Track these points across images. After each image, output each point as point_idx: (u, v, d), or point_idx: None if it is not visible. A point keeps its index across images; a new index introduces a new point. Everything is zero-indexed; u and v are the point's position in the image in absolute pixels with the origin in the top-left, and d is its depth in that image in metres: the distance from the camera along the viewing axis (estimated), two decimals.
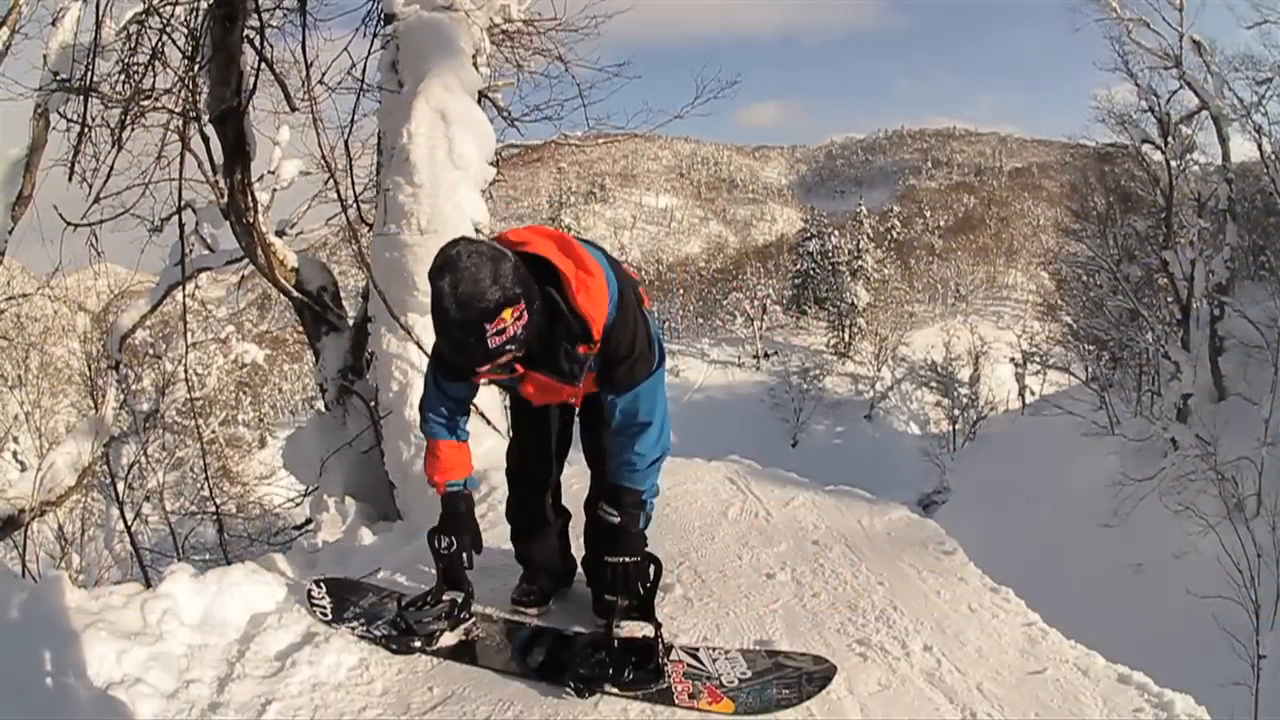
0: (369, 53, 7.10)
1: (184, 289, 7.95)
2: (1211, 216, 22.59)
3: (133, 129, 6.62)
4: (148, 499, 13.76)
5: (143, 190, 6.99)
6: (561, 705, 3.00)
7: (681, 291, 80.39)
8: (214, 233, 7.93)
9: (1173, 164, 22.65)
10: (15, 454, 18.09)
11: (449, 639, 3.39)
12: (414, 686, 3.17)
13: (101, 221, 6.97)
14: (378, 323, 6.39)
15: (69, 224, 6.78)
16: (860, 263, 63.84)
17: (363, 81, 7.00)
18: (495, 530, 3.88)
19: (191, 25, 6.29)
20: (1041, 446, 29.94)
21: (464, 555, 3.39)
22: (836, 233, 67.97)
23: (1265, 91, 21.20)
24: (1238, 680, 12.24)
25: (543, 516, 3.66)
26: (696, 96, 8.85)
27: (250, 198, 6.51)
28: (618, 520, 3.18)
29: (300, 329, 7.89)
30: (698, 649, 3.26)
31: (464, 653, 3.36)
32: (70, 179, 6.62)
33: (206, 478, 13.69)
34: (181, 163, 6.76)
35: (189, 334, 10.32)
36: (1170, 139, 22.60)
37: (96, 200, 6.73)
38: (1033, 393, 46.91)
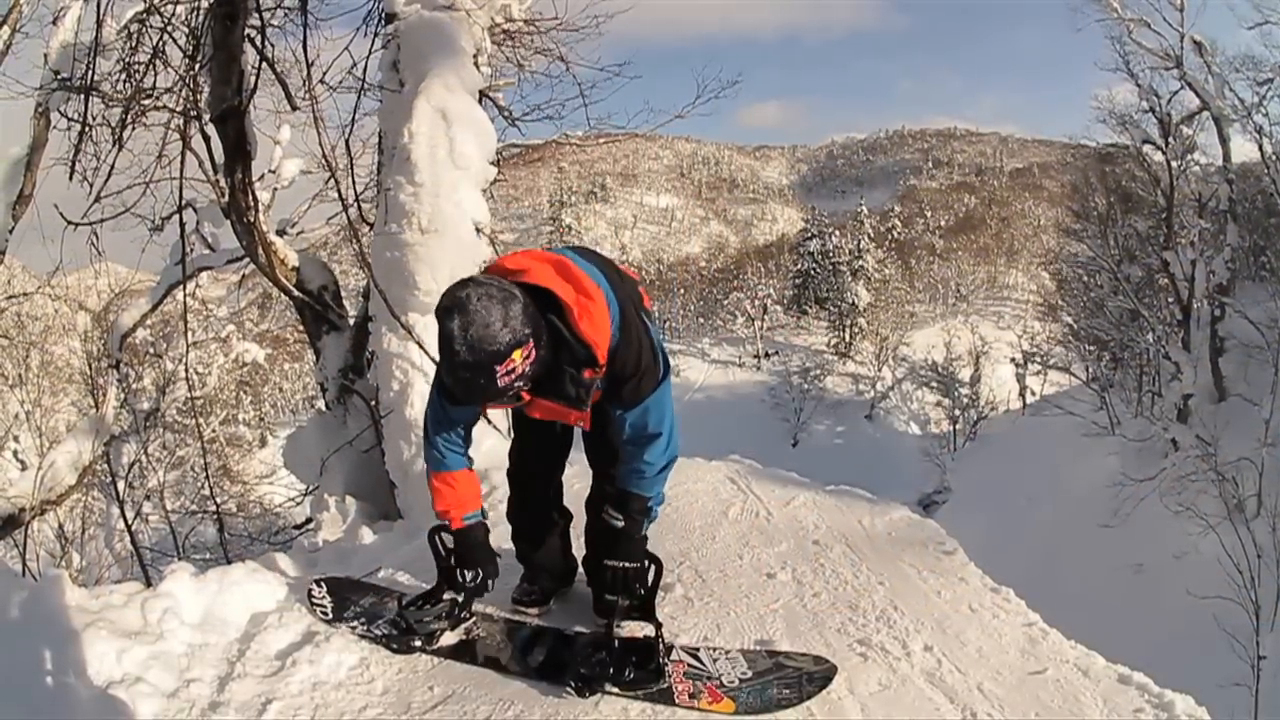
0: (370, 52, 7.11)
1: (185, 288, 7.96)
2: (1212, 217, 22.58)
3: (133, 128, 6.62)
4: (148, 498, 13.75)
5: (143, 189, 6.98)
6: (562, 705, 3.01)
7: (682, 291, 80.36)
8: (215, 232, 7.94)
9: (1173, 164, 22.63)
10: (16, 453, 18.07)
11: (449, 638, 3.40)
12: (415, 686, 3.18)
13: (102, 220, 6.97)
14: (378, 322, 6.39)
15: (70, 223, 6.77)
16: (861, 263, 63.84)
17: (363, 81, 7.01)
18: (496, 530, 3.88)
19: (192, 24, 6.28)
20: (1042, 447, 29.93)
21: (489, 583, 3.38)
22: (837, 233, 67.96)
23: (1266, 92, 21.20)
24: (1238, 681, 12.23)
25: (544, 517, 3.67)
26: (697, 96, 8.84)
27: (251, 197, 6.50)
28: (621, 525, 3.20)
29: (301, 328, 7.89)
30: (698, 649, 3.26)
31: (465, 652, 3.36)
32: (71, 178, 6.62)
33: (207, 477, 13.69)
34: (182, 162, 6.75)
35: (190, 333, 10.33)
36: (1171, 139, 22.59)
37: (97, 199, 6.72)
38: (1033, 393, 46.90)
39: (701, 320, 74.90)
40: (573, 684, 3.04)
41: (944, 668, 3.24)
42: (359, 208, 7.38)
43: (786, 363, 58.94)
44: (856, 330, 61.90)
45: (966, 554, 4.53)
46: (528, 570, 3.74)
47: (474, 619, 3.49)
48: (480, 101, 6.94)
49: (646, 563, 3.24)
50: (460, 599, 3.42)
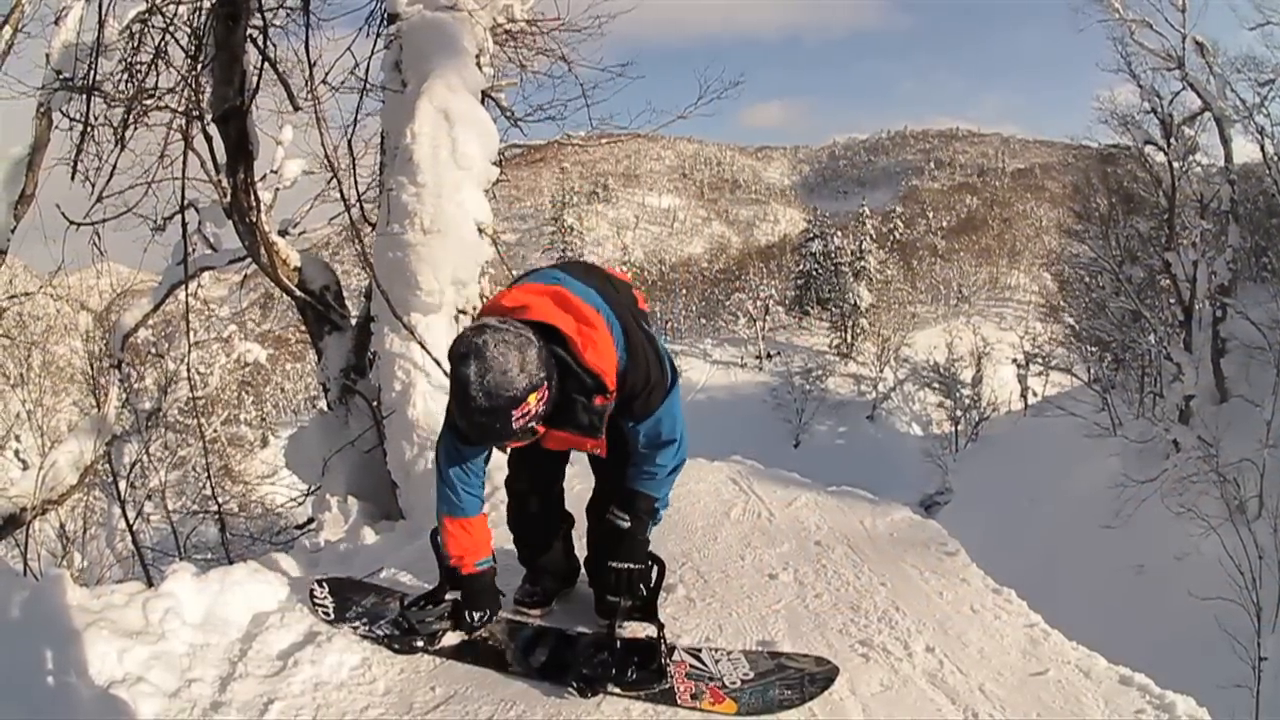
0: (372, 52, 7.11)
1: (186, 288, 7.96)
2: (1214, 218, 22.56)
3: (136, 128, 6.62)
4: (149, 498, 13.76)
5: (145, 189, 6.98)
6: (564, 705, 3.01)
7: (684, 292, 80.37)
8: (217, 232, 7.93)
9: (1175, 165, 22.61)
10: (17, 452, 18.10)
11: (451, 638, 3.40)
12: (416, 686, 3.18)
13: (104, 220, 6.97)
14: (380, 322, 6.39)
15: (71, 223, 6.78)
16: (863, 263, 63.77)
17: (366, 81, 7.00)
18: (498, 530, 3.88)
19: (194, 24, 6.28)
20: (1043, 448, 29.93)
21: (492, 618, 3.43)
22: (839, 233, 67.87)
23: (1268, 93, 21.21)
24: (1239, 682, 12.22)
25: (545, 523, 3.67)
26: (699, 97, 8.84)
27: (253, 197, 6.50)
28: (627, 525, 3.21)
29: (303, 328, 7.89)
30: (700, 650, 3.26)
31: (466, 652, 3.36)
32: (73, 178, 6.62)
33: (209, 477, 13.71)
34: (184, 162, 6.75)
35: (191, 333, 10.32)
36: (1173, 140, 22.57)
37: (99, 199, 6.72)
38: (1035, 394, 46.89)
39: (703, 321, 74.89)
40: (575, 684, 3.04)
41: (946, 668, 3.24)
42: (361, 208, 7.39)
43: (788, 363, 58.86)
44: (858, 331, 61.83)
45: (968, 555, 4.53)
46: (530, 572, 3.74)
47: None
48: (483, 102, 6.95)
49: (649, 564, 3.25)
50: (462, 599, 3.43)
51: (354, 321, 7.19)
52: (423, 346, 6.03)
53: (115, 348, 8.43)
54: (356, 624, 3.50)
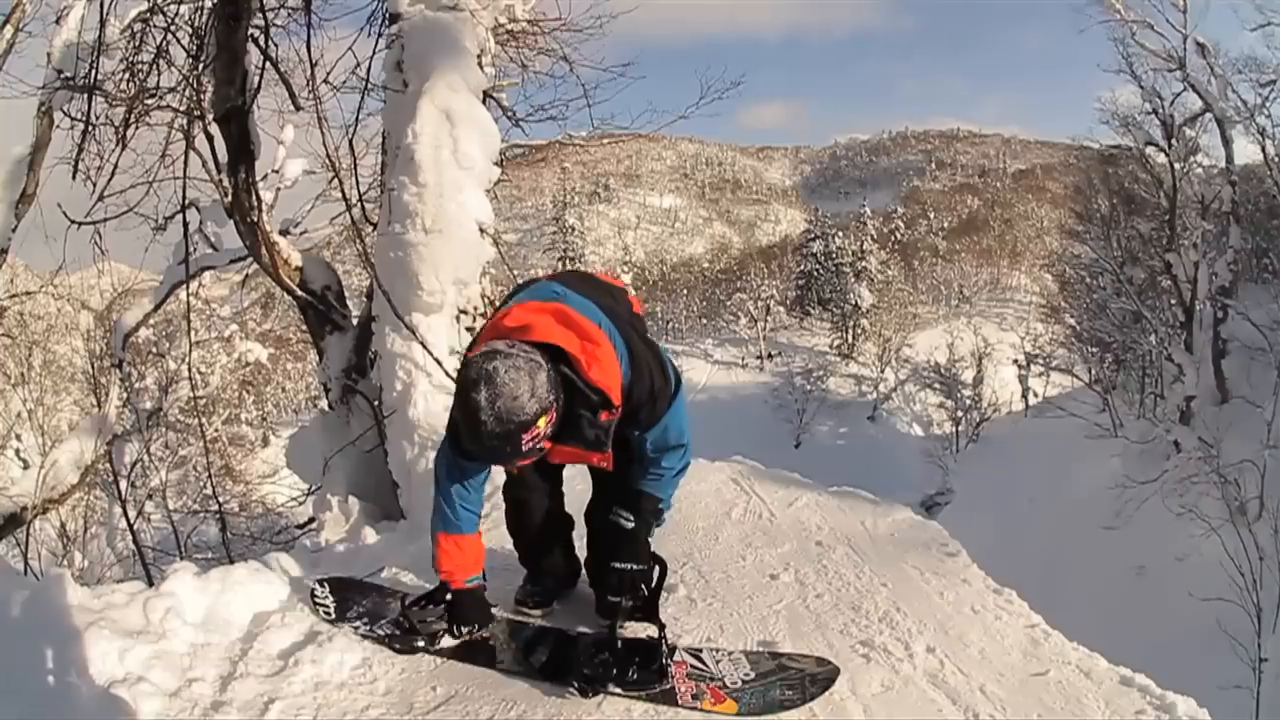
0: (374, 52, 7.12)
1: (188, 288, 7.98)
2: (1215, 219, 22.57)
3: (137, 127, 6.64)
4: (150, 497, 13.76)
5: (147, 189, 6.99)
6: (565, 705, 3.01)
7: (685, 292, 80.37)
8: (218, 231, 7.93)
9: (1176, 166, 22.62)
10: (18, 451, 18.13)
11: (452, 638, 3.39)
12: (417, 686, 3.18)
13: (105, 220, 6.98)
14: (382, 322, 6.39)
15: (73, 222, 6.79)
16: (864, 264, 63.78)
17: (367, 81, 7.01)
18: (499, 530, 3.88)
19: (196, 24, 6.30)
20: (1044, 448, 29.93)
21: (481, 630, 3.42)
22: (840, 234, 67.88)
23: (1269, 94, 21.24)
24: (1239, 683, 12.22)
25: (545, 525, 3.66)
26: (701, 97, 8.83)
27: (254, 197, 6.51)
28: (631, 526, 3.21)
29: (304, 328, 7.90)
30: (701, 650, 3.26)
31: (468, 652, 3.36)
32: (74, 177, 6.64)
33: (209, 476, 13.75)
34: (186, 161, 6.76)
35: (193, 332, 10.34)
36: (1174, 141, 22.59)
37: (100, 198, 6.74)
38: (1036, 395, 46.88)
39: (704, 321, 74.96)
40: (576, 684, 3.04)
41: (946, 669, 3.24)
42: (362, 208, 7.40)
43: (789, 364, 58.96)
44: (859, 331, 61.83)
45: (969, 555, 4.54)
46: (530, 572, 3.74)
47: None
48: (484, 102, 6.94)
49: (651, 564, 3.25)
50: None
51: (355, 321, 7.20)
52: (424, 346, 6.03)
53: (116, 347, 8.43)
54: (357, 624, 3.50)
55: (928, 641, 3.41)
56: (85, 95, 6.34)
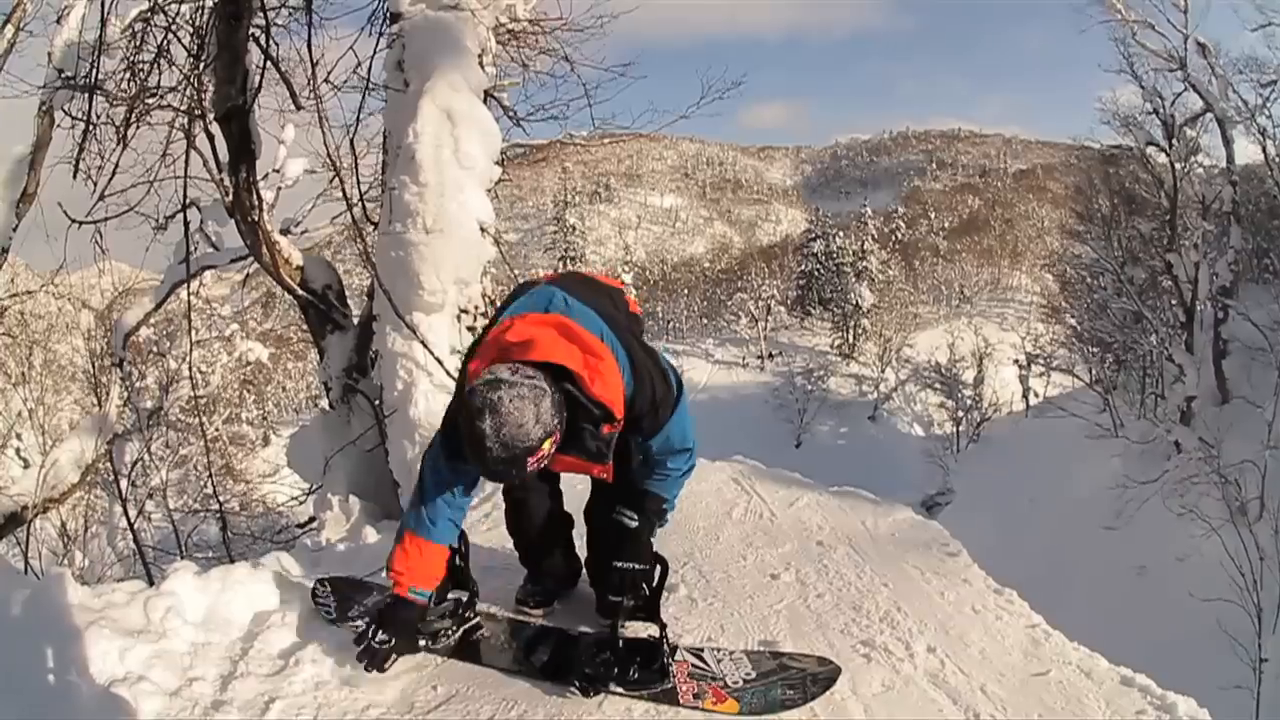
0: (374, 51, 7.11)
1: (188, 287, 7.98)
2: (1216, 219, 22.58)
3: (138, 127, 6.63)
4: (151, 496, 13.76)
5: (147, 188, 6.98)
6: (565, 704, 3.01)
7: (686, 292, 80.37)
8: (219, 231, 7.92)
9: (1177, 166, 22.63)
10: (18, 451, 18.11)
11: (453, 638, 3.39)
12: (418, 685, 3.18)
13: (106, 219, 6.97)
14: (382, 321, 6.38)
15: (73, 221, 6.79)
16: (865, 264, 63.73)
17: (368, 80, 6.99)
18: (499, 529, 3.88)
19: (197, 23, 6.30)
20: (1045, 448, 29.93)
21: (392, 656, 3.23)
22: (841, 234, 67.83)
23: (1270, 94, 21.25)
24: (1240, 683, 12.22)
25: (544, 525, 3.66)
26: (702, 96, 8.81)
27: (255, 196, 6.52)
28: (635, 525, 3.21)
29: (304, 327, 7.90)
30: (702, 649, 3.26)
31: (468, 652, 3.36)
32: (75, 176, 6.63)
33: (210, 475, 13.75)
34: (186, 161, 6.75)
35: (193, 332, 10.34)
36: (1175, 141, 22.59)
37: (101, 198, 6.74)
38: (1036, 395, 46.81)
39: (705, 321, 74.96)
40: (577, 684, 3.04)
41: (947, 669, 3.24)
42: (363, 207, 7.40)
43: (790, 363, 58.93)
44: (860, 331, 61.79)
45: (970, 555, 4.55)
46: (530, 572, 3.74)
47: (478, 619, 3.48)
48: (485, 101, 6.94)
49: (653, 564, 3.25)
50: (464, 598, 3.42)
51: (356, 321, 7.20)
52: (425, 346, 6.03)
53: (117, 346, 8.44)
54: (358, 623, 3.49)
55: (928, 641, 3.42)
56: (86, 95, 6.34)
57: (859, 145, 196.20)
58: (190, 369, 13.88)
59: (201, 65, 6.20)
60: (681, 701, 2.99)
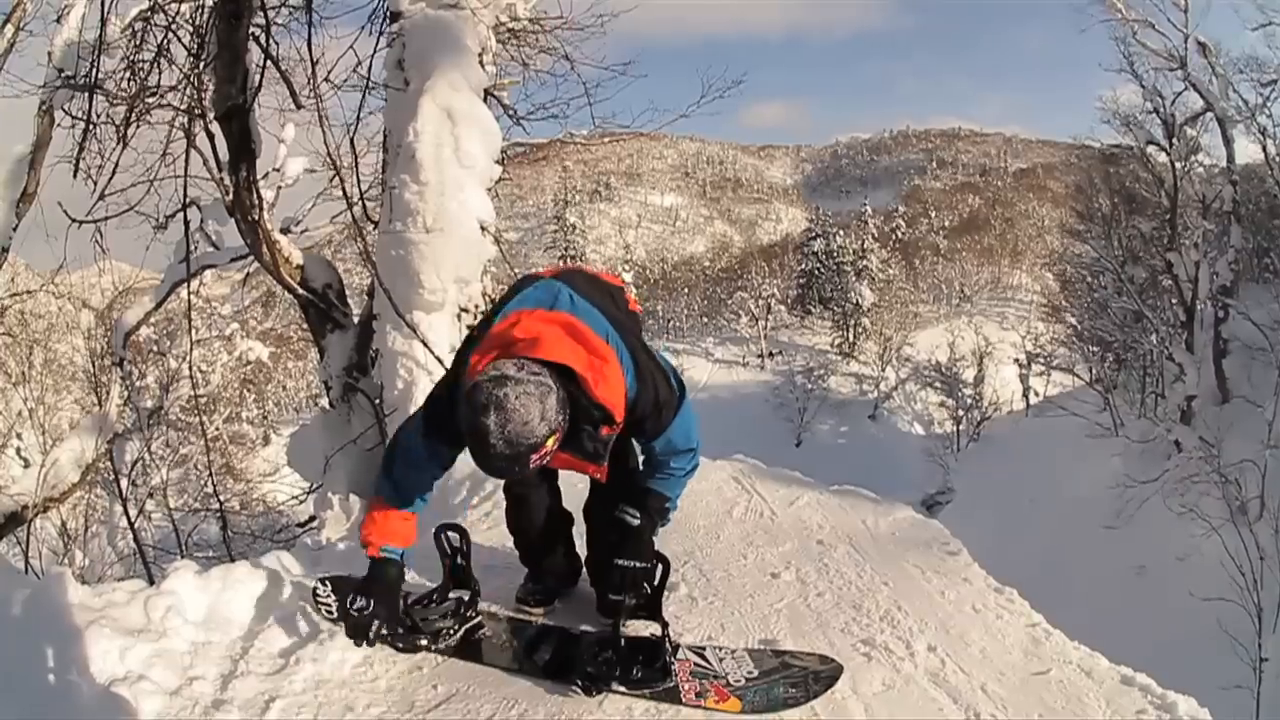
0: (375, 50, 7.12)
1: (189, 286, 7.97)
2: (1216, 218, 22.60)
3: (138, 126, 6.63)
4: (151, 496, 13.79)
5: (148, 187, 6.98)
6: (566, 703, 3.01)
7: (686, 290, 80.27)
8: (219, 230, 7.92)
9: (1177, 165, 22.66)
10: (19, 450, 18.12)
11: (454, 637, 3.39)
12: (418, 684, 3.18)
13: (106, 218, 6.97)
14: (383, 320, 6.40)
15: (74, 221, 6.79)
16: (865, 263, 63.68)
17: (368, 79, 7.00)
18: (499, 528, 3.88)
19: (197, 22, 6.29)
20: (1045, 448, 29.93)
21: (374, 623, 3.17)
22: (841, 233, 67.76)
23: (1270, 93, 21.27)
24: (1240, 683, 12.22)
25: (545, 523, 3.65)
26: (702, 95, 8.83)
27: (255, 195, 6.51)
28: (637, 523, 3.20)
29: (305, 326, 7.90)
30: (704, 648, 3.26)
31: (469, 650, 3.35)
32: (75, 176, 6.64)
33: (210, 475, 13.76)
34: (187, 160, 6.75)
35: (193, 331, 10.35)
36: (1175, 140, 22.61)
37: (101, 197, 6.73)
38: (1037, 394, 46.77)
39: (705, 320, 74.86)
40: (579, 683, 3.04)
41: (948, 668, 3.24)
42: (364, 206, 7.40)
43: (790, 362, 58.86)
44: (860, 330, 61.73)
45: (970, 554, 4.54)
46: (531, 571, 3.73)
47: (479, 617, 3.48)
48: (485, 100, 6.95)
49: (654, 562, 3.24)
50: (465, 598, 3.42)
51: (356, 320, 7.20)
52: (425, 345, 6.04)
53: (117, 346, 8.44)
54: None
55: (929, 640, 3.41)
56: (86, 94, 6.34)
57: (859, 144, 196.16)
58: (190, 368, 13.91)
59: (201, 64, 6.20)
60: (684, 700, 2.99)
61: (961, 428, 48.42)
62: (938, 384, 51.93)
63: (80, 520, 15.04)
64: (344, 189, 6.71)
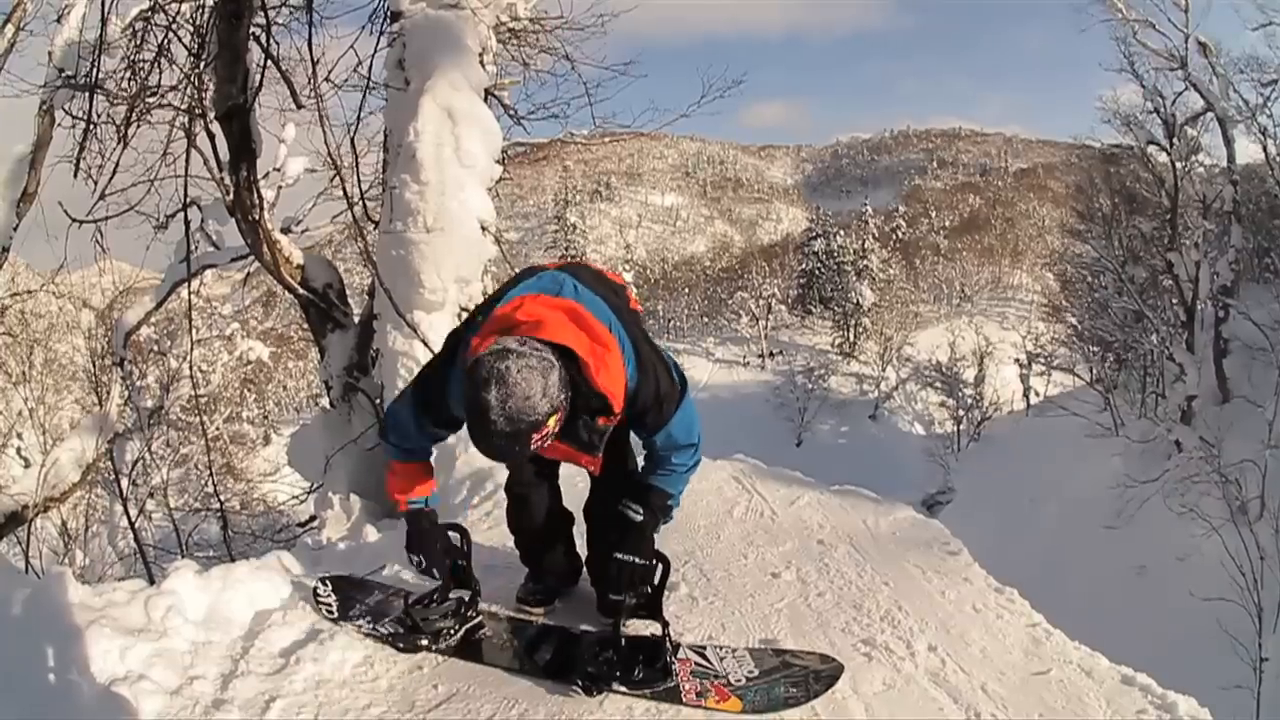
0: (375, 50, 7.12)
1: (189, 286, 7.98)
2: (1216, 218, 22.59)
3: (138, 126, 6.64)
4: (152, 495, 13.79)
5: (148, 187, 7.00)
6: (566, 703, 3.00)
7: (687, 290, 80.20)
8: (219, 230, 7.93)
9: (1178, 165, 22.65)
10: (19, 450, 18.13)
11: (455, 637, 3.39)
12: (419, 684, 3.17)
13: (107, 218, 6.99)
14: (383, 320, 6.40)
15: (74, 220, 6.79)
16: (865, 262, 63.67)
17: (369, 79, 7.00)
18: (500, 528, 3.88)
19: (197, 22, 6.30)
20: (1046, 447, 29.92)
21: (434, 570, 3.34)
22: (842, 232, 67.75)
23: (1270, 93, 21.25)
24: (1240, 683, 12.22)
25: (545, 523, 3.64)
26: (702, 95, 8.85)
27: (256, 195, 6.52)
28: (640, 518, 3.19)
29: (305, 326, 7.91)
30: (705, 648, 3.26)
31: (470, 650, 3.35)
32: (75, 176, 6.65)
33: (211, 474, 13.74)
34: (187, 160, 6.76)
35: (194, 331, 10.35)
36: (1175, 140, 22.61)
37: (102, 197, 6.74)
38: (1037, 394, 46.72)
39: (706, 319, 74.78)
40: (580, 682, 3.03)
41: (948, 668, 3.24)
42: (364, 206, 7.41)
43: (791, 362, 58.85)
44: (861, 330, 61.73)
45: (970, 554, 4.54)
46: (532, 570, 3.73)
47: (480, 617, 3.48)
48: (485, 100, 6.96)
49: (654, 561, 3.23)
50: (466, 597, 3.42)
51: (357, 319, 7.21)
52: (425, 344, 6.04)
53: (117, 345, 8.45)
54: (360, 622, 3.49)
55: (929, 640, 3.41)
56: (86, 94, 6.34)
57: (860, 144, 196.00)
58: (191, 368, 13.91)
59: (202, 64, 6.20)
60: (684, 700, 2.99)
61: (962, 428, 48.42)
62: (938, 384, 51.94)
63: (81, 520, 15.05)
64: (344, 189, 6.72)
